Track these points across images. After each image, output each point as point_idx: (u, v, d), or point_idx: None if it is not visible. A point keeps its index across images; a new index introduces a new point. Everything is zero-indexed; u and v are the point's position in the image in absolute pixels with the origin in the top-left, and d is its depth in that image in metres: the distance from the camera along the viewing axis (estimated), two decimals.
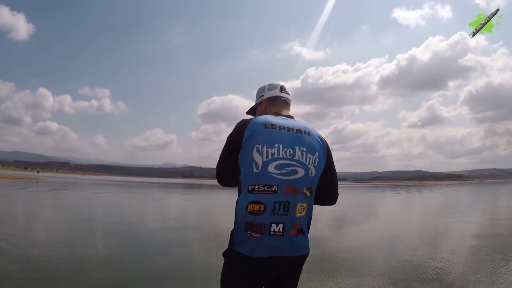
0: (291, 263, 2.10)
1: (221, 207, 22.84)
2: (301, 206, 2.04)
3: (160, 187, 57.08)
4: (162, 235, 10.57)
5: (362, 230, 12.47)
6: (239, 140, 2.04)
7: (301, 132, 2.12)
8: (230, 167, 2.10)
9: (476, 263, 7.05)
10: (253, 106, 2.48)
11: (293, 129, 2.11)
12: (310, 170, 2.07)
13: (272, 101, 2.34)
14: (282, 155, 2.02)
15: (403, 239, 10.22)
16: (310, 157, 2.08)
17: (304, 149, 2.08)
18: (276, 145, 2.02)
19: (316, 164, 2.09)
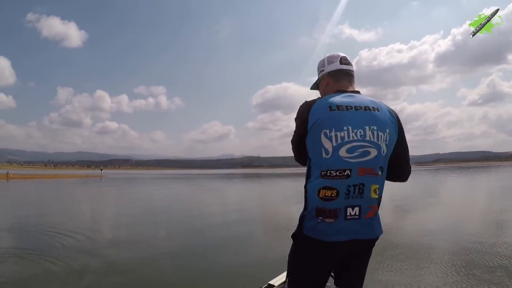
0: (363, 245, 2.02)
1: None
2: (376, 187, 1.94)
3: (220, 178, 58.16)
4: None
5: (424, 216, 11.85)
6: (305, 125, 1.96)
7: (369, 109, 1.97)
8: (302, 151, 2.04)
9: None
10: (316, 81, 2.31)
11: (360, 107, 1.97)
12: (382, 149, 1.94)
13: (333, 76, 2.16)
14: (353, 137, 1.91)
15: (467, 225, 9.76)
16: (381, 136, 1.93)
17: (375, 128, 1.94)
18: (345, 127, 1.91)
19: (387, 142, 1.96)
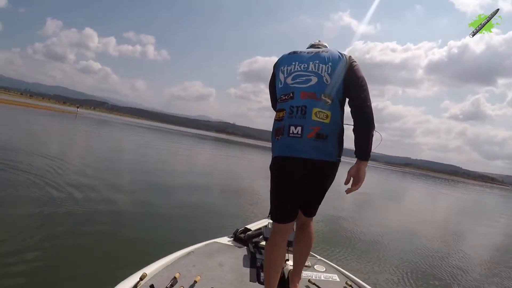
0: (314, 167, 2.19)
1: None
2: (320, 111, 2.15)
3: (193, 138, 57.87)
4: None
5: (382, 217, 11.88)
6: (273, 71, 2.47)
7: (318, 52, 2.33)
8: (274, 96, 2.49)
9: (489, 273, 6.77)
10: None
11: (312, 52, 2.35)
12: (324, 78, 2.21)
13: None
14: (297, 69, 2.29)
15: (422, 235, 9.76)
16: (322, 67, 2.23)
17: (317, 61, 2.26)
18: (293, 63, 2.32)
19: (329, 72, 2.21)
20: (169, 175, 11.97)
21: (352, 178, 2.20)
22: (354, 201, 13.77)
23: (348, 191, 2.20)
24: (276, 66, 2.43)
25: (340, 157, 2.24)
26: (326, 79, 2.20)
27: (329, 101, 2.16)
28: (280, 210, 2.31)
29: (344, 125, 2.26)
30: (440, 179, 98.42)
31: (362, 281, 2.91)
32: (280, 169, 2.27)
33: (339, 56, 2.25)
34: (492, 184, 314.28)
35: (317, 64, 2.25)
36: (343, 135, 2.25)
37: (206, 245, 3.24)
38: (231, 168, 20.50)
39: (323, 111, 2.16)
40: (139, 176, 10.71)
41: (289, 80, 2.29)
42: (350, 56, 2.25)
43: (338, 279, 2.93)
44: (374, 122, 2.17)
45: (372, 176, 42.21)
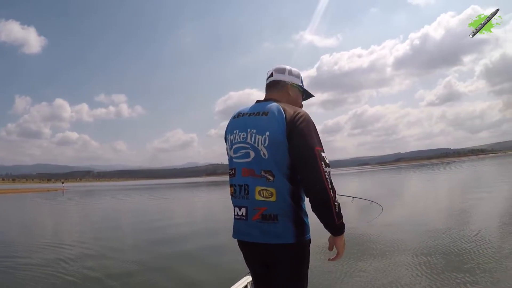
0: (266, 251, 1.97)
1: None
2: (264, 190, 1.92)
3: (185, 187, 58.10)
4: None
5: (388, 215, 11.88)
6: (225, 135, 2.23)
7: (257, 114, 2.03)
8: None
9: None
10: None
11: (252, 113, 2.06)
12: (261, 152, 1.94)
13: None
14: (237, 139, 2.04)
15: (431, 220, 10.00)
16: (258, 138, 1.96)
17: (254, 131, 1.99)
18: (235, 131, 2.08)
19: (266, 145, 1.93)
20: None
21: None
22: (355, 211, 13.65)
23: (330, 260, 2.01)
24: (225, 133, 2.21)
25: (303, 235, 1.94)
26: (264, 153, 1.93)
27: (271, 178, 1.91)
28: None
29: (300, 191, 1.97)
30: (433, 165, 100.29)
31: None
32: (241, 250, 2.15)
33: (278, 121, 1.92)
34: (484, 155, 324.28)
35: (253, 135, 1.99)
36: (300, 211, 1.95)
37: None
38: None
39: (267, 189, 1.92)
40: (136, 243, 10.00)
41: (231, 153, 2.09)
42: (296, 115, 1.93)
43: None
44: (332, 195, 1.84)
45: (366, 180, 43.06)
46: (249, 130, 2.01)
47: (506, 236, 7.27)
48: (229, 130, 2.14)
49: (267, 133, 1.92)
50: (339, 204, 1.88)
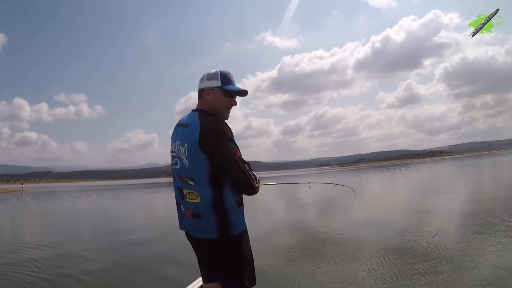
0: (197, 243, 2.35)
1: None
2: (190, 192, 2.22)
3: (146, 188, 56.66)
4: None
5: (344, 217, 11.62)
6: None
7: (183, 125, 2.28)
8: None
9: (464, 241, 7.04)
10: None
11: (181, 124, 2.31)
12: (184, 161, 2.21)
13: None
14: (172, 148, 2.35)
15: (389, 221, 10.12)
16: (180, 149, 2.23)
17: (178, 142, 2.27)
18: (172, 141, 2.36)
19: (186, 155, 2.19)
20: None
21: None
22: (310, 210, 14.80)
23: None
24: None
25: (228, 232, 2.21)
26: (185, 162, 2.20)
27: (192, 183, 2.19)
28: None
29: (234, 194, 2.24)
30: (393, 166, 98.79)
31: None
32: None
33: (194, 134, 2.16)
34: (443, 156, 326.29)
35: (178, 146, 2.26)
36: (224, 210, 2.19)
37: None
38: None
39: (192, 191, 2.20)
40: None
41: (170, 160, 2.37)
42: (209, 127, 2.16)
43: None
44: (254, 185, 2.20)
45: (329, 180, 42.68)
46: (176, 141, 2.28)
47: (460, 236, 7.37)
48: (171, 140, 2.39)
49: (186, 144, 2.18)
50: (258, 181, 2.25)
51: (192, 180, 2.18)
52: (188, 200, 2.24)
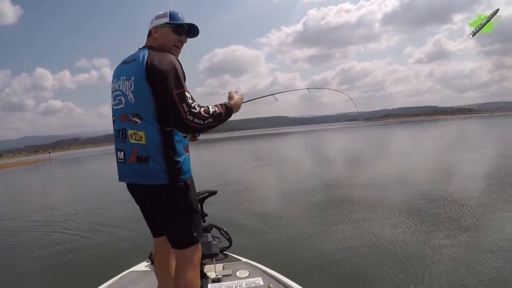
0: (144, 191, 2.10)
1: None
2: (135, 133, 2.02)
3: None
4: None
5: (373, 171, 12.06)
6: None
7: (128, 62, 2.11)
8: None
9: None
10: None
11: (127, 61, 2.12)
12: (128, 97, 2.03)
13: None
14: (114, 87, 2.13)
15: (417, 179, 9.80)
16: (126, 84, 2.04)
17: (124, 77, 2.07)
18: (114, 79, 2.16)
19: (132, 89, 2.01)
20: None
21: None
22: (343, 162, 15.37)
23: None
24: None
25: (177, 176, 2.02)
26: (131, 98, 2.02)
27: (139, 121, 2.01)
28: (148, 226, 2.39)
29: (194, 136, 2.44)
30: (420, 122, 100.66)
31: (288, 277, 2.83)
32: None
33: (139, 66, 1.97)
34: (471, 114, 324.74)
35: (123, 81, 2.08)
36: (173, 152, 2.01)
37: (120, 278, 3.11)
38: None
39: (137, 132, 2.02)
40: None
41: (112, 101, 2.17)
42: (156, 59, 1.97)
43: (261, 283, 2.81)
44: (184, 118, 1.91)
45: (356, 136, 43.90)
46: (121, 77, 2.09)
47: (485, 194, 7.21)
48: (112, 80, 2.20)
49: (132, 78, 2.00)
50: (213, 113, 2.02)
51: (138, 117, 1.99)
52: (132, 141, 2.02)
